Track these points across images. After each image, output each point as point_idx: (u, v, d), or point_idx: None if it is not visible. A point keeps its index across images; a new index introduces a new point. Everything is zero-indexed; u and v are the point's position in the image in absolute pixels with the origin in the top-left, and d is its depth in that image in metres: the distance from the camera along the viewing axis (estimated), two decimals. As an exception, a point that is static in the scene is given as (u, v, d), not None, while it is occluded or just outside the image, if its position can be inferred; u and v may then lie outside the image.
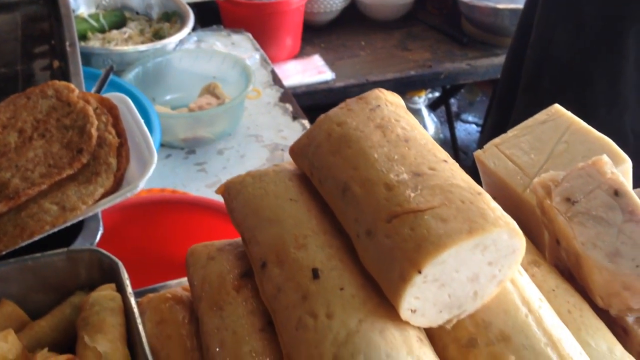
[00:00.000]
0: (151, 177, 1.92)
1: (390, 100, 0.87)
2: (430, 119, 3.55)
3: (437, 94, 3.78)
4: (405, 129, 0.78)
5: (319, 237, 0.78)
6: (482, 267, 0.69)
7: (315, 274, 0.74)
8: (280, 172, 0.88)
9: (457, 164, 0.75)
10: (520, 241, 0.69)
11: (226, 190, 0.91)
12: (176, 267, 1.17)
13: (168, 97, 2.11)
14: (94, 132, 1.07)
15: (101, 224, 1.06)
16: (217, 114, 1.94)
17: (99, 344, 0.83)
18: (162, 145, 1.95)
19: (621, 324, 0.83)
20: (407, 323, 0.70)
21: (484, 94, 3.96)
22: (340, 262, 0.75)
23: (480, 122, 4.03)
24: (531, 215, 0.98)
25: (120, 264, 0.94)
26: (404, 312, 0.68)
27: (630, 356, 0.76)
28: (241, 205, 0.87)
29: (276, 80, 2.30)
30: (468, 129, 4.31)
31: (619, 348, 0.77)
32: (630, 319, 0.82)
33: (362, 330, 0.68)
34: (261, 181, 0.87)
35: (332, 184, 0.78)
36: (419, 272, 0.64)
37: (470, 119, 4.28)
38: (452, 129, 3.66)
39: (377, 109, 0.84)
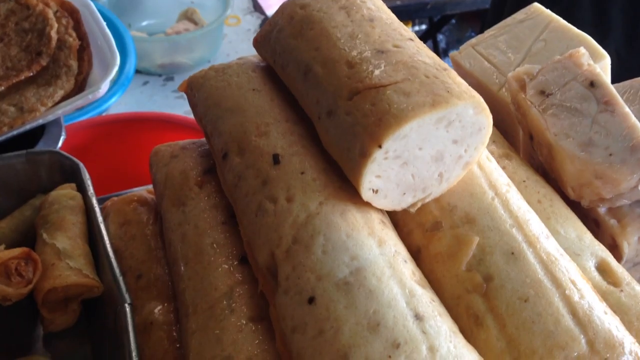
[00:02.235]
0: (128, 104, 1.88)
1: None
2: (418, 56, 3.46)
3: (424, 27, 3.68)
4: (371, 10, 0.74)
5: (280, 125, 0.75)
6: (447, 146, 0.66)
7: (275, 159, 0.71)
8: (244, 64, 0.85)
9: (423, 44, 0.72)
10: (486, 119, 0.66)
11: (189, 85, 0.87)
12: (146, 182, 1.15)
13: (144, 23, 2.04)
14: (53, 34, 1.02)
15: (64, 129, 1.02)
16: (194, 38, 1.87)
17: (58, 241, 0.81)
18: (139, 72, 1.90)
19: (593, 217, 0.82)
20: (369, 206, 0.67)
21: (473, 29, 3.87)
22: (302, 148, 0.72)
23: (470, 60, 3.94)
24: (506, 114, 0.95)
25: (81, 165, 0.91)
26: (366, 192, 0.65)
27: (600, 243, 0.75)
28: (203, 99, 0.83)
29: (257, 7, 2.22)
30: (457, 68, 4.22)
31: (588, 236, 0.75)
32: (601, 210, 0.80)
33: (323, 212, 0.66)
34: (224, 73, 0.83)
35: (294, 67, 0.74)
36: (380, 146, 0.61)
37: (459, 56, 4.18)
38: (440, 67, 3.57)
39: (344, -6, 0.79)
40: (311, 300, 0.60)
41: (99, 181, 0.97)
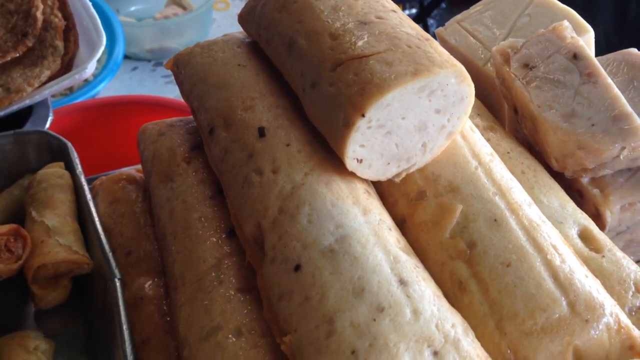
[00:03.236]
0: (118, 90, 1.88)
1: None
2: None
3: (414, 11, 3.68)
4: (354, -18, 0.75)
5: (266, 99, 0.75)
6: (430, 115, 0.67)
7: (261, 132, 0.72)
8: (229, 40, 0.85)
9: (406, 15, 0.72)
10: (468, 88, 0.67)
11: (175, 63, 0.88)
12: (135, 163, 1.15)
13: (133, 8, 2.03)
14: (39, 15, 1.02)
15: (51, 111, 1.02)
16: (183, 23, 1.87)
17: (47, 218, 0.81)
18: (128, 57, 1.89)
19: (576, 188, 0.83)
20: (354, 176, 0.68)
21: (464, 15, 3.85)
22: (287, 121, 0.73)
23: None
24: (491, 89, 0.96)
25: (69, 144, 0.92)
26: (350, 162, 0.66)
27: (583, 212, 0.76)
28: (189, 75, 0.83)
29: (246, -9, 2.21)
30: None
31: (571, 205, 0.76)
32: (584, 181, 0.81)
33: (308, 182, 0.67)
34: (209, 50, 0.84)
35: (279, 41, 0.74)
36: (363, 115, 0.62)
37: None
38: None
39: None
40: (297, 268, 0.61)
41: (88, 164, 0.97)
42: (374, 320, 0.56)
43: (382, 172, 0.69)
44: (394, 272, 0.60)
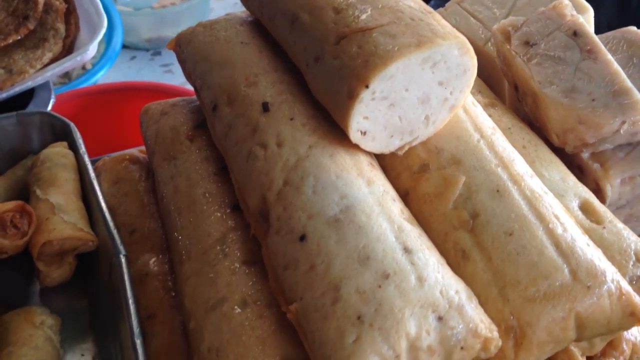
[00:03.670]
0: (117, 79, 1.87)
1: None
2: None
3: None
4: (357, -42, 0.75)
5: (269, 75, 0.76)
6: (433, 87, 0.67)
7: (265, 107, 0.72)
8: (232, 19, 0.85)
9: (408, -10, 0.73)
10: (471, 60, 0.67)
11: (177, 42, 0.88)
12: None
13: (130, -2, 2.03)
14: (40, -2, 1.02)
15: (53, 93, 1.02)
16: (181, 11, 1.87)
17: (51, 196, 0.82)
18: (127, 47, 1.89)
19: (577, 163, 0.83)
20: (358, 148, 0.69)
21: None
22: (290, 96, 0.73)
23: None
24: (492, 69, 0.96)
25: (72, 125, 0.92)
26: (354, 134, 0.67)
27: (583, 185, 0.77)
28: (192, 54, 0.84)
29: (243, -19, 2.21)
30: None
31: (572, 178, 0.77)
32: (585, 156, 0.82)
33: (312, 155, 0.67)
34: (212, 29, 0.84)
35: (281, 17, 0.75)
36: (367, 86, 0.63)
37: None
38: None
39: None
40: (302, 237, 0.62)
41: (90, 149, 0.97)
42: (379, 286, 0.57)
43: (386, 145, 0.69)
44: (398, 240, 0.61)
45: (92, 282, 0.85)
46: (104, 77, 1.65)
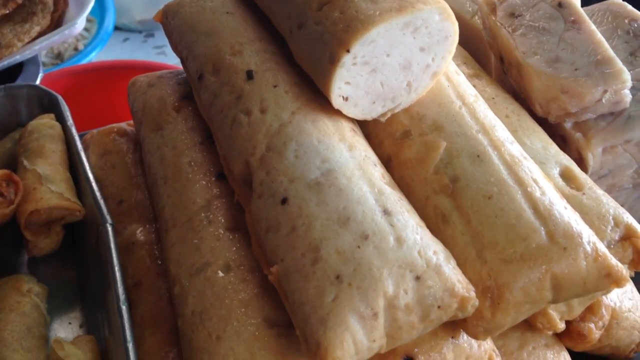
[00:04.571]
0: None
1: None
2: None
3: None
4: None
5: (254, 44, 0.76)
6: (415, 53, 0.68)
7: (249, 75, 0.73)
8: (218, -10, 0.85)
9: (391, -42, 0.73)
10: (452, 26, 0.68)
11: (164, 14, 0.88)
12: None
13: (123, -21, 2.02)
14: (28, -28, 1.02)
15: (41, 67, 1.03)
16: (173, -7, 1.86)
17: (39, 167, 0.82)
18: (119, 28, 1.89)
19: (560, 133, 0.84)
20: (340, 115, 0.69)
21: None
22: (274, 64, 0.74)
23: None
24: (479, 42, 0.97)
25: (60, 97, 0.93)
26: (336, 99, 0.67)
27: (565, 154, 0.77)
28: (178, 25, 0.84)
29: (237, -37, 2.21)
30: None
31: (553, 147, 0.78)
32: (567, 125, 0.82)
33: (295, 120, 0.68)
34: (198, 0, 0.84)
35: (266, -15, 0.75)
36: (348, 51, 0.63)
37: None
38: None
39: None
40: (284, 201, 0.63)
41: (79, 127, 0.97)
42: (359, 247, 0.58)
43: (368, 111, 0.70)
44: (378, 203, 0.61)
45: (80, 253, 0.85)
46: (96, 58, 1.65)
